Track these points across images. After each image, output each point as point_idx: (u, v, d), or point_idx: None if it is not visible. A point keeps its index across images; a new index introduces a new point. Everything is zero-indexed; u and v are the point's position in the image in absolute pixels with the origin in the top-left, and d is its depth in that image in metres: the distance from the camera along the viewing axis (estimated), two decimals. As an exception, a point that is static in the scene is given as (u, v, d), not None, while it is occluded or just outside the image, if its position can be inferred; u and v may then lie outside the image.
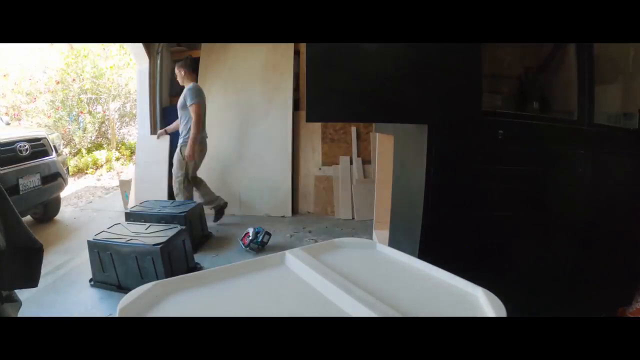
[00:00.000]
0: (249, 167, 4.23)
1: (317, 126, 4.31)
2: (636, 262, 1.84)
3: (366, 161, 4.23)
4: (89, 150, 7.10)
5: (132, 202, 4.09)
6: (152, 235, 2.47)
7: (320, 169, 4.29)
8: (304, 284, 0.96)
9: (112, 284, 2.42)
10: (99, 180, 6.10)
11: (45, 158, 3.54)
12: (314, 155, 4.32)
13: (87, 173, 6.64)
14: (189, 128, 3.56)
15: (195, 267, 2.69)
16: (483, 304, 0.85)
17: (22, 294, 1.36)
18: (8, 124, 4.42)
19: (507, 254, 1.58)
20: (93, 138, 7.28)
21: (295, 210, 4.24)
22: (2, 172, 2.99)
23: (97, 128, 7.31)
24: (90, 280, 2.52)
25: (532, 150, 1.58)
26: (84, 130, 7.11)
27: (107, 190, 5.41)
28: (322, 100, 1.35)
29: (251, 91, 4.28)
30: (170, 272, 2.31)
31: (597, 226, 1.73)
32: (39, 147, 3.51)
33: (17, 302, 1.25)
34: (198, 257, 2.90)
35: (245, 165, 4.24)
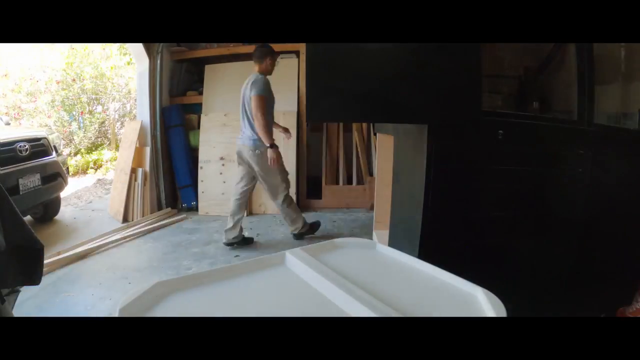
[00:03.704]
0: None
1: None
2: (636, 262, 1.84)
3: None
4: (89, 150, 7.11)
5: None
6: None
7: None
8: (304, 284, 0.96)
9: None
10: (99, 180, 6.10)
11: (45, 158, 3.54)
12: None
13: (87, 173, 6.65)
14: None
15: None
16: (483, 304, 0.85)
17: (23, 294, 1.36)
18: (8, 124, 4.43)
19: (507, 254, 1.58)
20: (93, 138, 7.29)
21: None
22: (2, 172, 2.99)
23: (97, 128, 7.32)
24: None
25: (532, 150, 1.58)
26: (85, 130, 7.12)
27: (107, 190, 5.40)
28: (322, 101, 1.35)
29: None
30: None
31: (597, 226, 1.73)
32: (39, 147, 3.51)
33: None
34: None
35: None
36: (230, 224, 3.11)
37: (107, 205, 4.40)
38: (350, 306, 0.83)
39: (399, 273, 1.05)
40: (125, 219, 3.91)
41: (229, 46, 4.40)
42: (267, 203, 4.23)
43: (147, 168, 4.16)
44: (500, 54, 1.90)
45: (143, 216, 3.96)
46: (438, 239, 1.48)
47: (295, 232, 3.30)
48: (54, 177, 3.63)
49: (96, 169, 6.81)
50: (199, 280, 0.95)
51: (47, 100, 6.99)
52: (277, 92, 4.32)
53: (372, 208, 3.64)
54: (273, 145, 2.91)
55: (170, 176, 4.46)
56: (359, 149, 4.52)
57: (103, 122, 7.46)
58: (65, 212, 4.29)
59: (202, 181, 4.25)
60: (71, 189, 5.29)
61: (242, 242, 3.18)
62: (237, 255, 3.10)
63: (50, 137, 3.78)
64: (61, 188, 3.85)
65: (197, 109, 4.50)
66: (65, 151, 6.49)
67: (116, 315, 0.78)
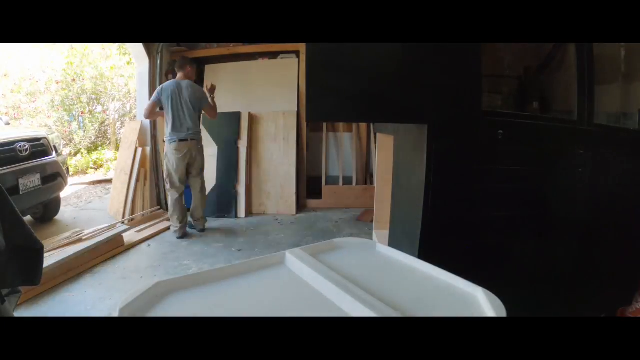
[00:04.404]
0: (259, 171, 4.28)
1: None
2: (636, 262, 1.84)
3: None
4: (89, 150, 7.11)
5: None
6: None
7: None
8: (304, 284, 0.96)
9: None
10: (99, 180, 6.10)
11: (45, 158, 3.54)
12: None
13: (87, 173, 6.65)
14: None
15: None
16: (483, 304, 0.85)
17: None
18: (8, 124, 4.42)
19: (507, 254, 1.58)
20: (93, 138, 7.29)
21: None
22: (2, 172, 2.99)
23: (97, 128, 7.32)
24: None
25: (532, 150, 1.58)
26: (85, 130, 7.12)
27: (107, 190, 5.40)
28: (322, 100, 1.35)
29: (258, 97, 4.33)
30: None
31: (597, 226, 1.73)
32: (39, 147, 3.51)
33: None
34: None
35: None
36: None
37: (107, 205, 4.40)
38: (350, 306, 0.83)
39: (399, 273, 1.05)
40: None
41: (229, 46, 4.41)
42: (267, 203, 4.24)
43: (147, 168, 4.16)
44: (500, 54, 1.90)
45: (143, 216, 3.96)
46: (438, 239, 1.48)
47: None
48: (54, 177, 3.62)
49: (96, 169, 6.82)
50: (199, 280, 0.95)
51: (47, 101, 6.99)
52: (277, 92, 4.36)
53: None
54: None
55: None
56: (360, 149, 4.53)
57: (103, 122, 7.46)
58: (65, 212, 4.29)
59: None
60: (71, 189, 5.30)
61: None
62: (240, 249, 3.12)
63: (50, 137, 3.78)
64: (61, 188, 3.84)
65: (197, 109, 4.50)
66: (65, 151, 6.49)
67: (116, 315, 0.78)
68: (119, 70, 7.47)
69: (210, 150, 4.25)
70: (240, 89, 4.38)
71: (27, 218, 3.79)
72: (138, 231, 3.54)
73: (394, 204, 1.92)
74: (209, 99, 3.54)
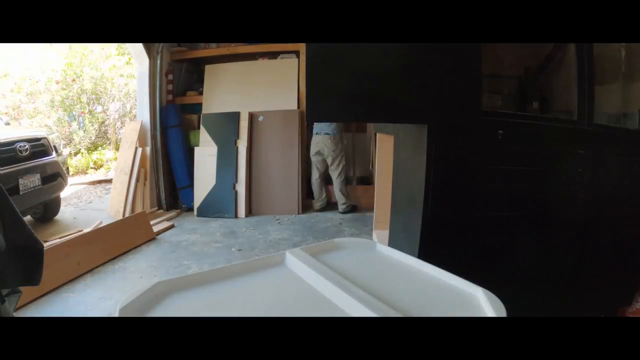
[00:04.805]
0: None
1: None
2: (636, 262, 1.84)
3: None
4: (90, 150, 7.11)
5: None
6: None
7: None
8: (304, 283, 0.96)
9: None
10: (99, 180, 6.10)
11: (45, 158, 3.54)
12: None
13: (87, 173, 6.65)
14: None
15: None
16: (483, 304, 0.85)
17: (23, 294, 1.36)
18: (8, 124, 4.43)
19: (507, 254, 1.58)
20: (93, 138, 7.29)
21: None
22: (2, 172, 2.99)
23: (97, 128, 7.32)
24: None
25: (532, 150, 1.58)
26: (85, 130, 7.12)
27: (107, 190, 5.40)
28: (322, 100, 1.35)
29: (258, 97, 4.33)
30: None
31: (597, 226, 1.73)
32: (39, 147, 3.51)
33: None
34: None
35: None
36: None
37: (107, 205, 4.40)
38: (350, 306, 0.83)
39: (399, 273, 1.05)
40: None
41: (229, 46, 4.41)
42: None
43: (147, 168, 4.16)
44: (500, 54, 1.90)
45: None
46: (438, 239, 1.48)
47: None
48: (54, 177, 3.63)
49: (96, 169, 6.82)
50: (199, 280, 0.94)
51: (47, 100, 6.99)
52: (277, 92, 4.35)
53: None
54: None
55: (171, 176, 4.46)
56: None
57: (103, 122, 7.46)
58: (65, 212, 4.29)
59: (198, 182, 4.25)
60: (71, 189, 5.30)
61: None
62: (239, 249, 3.12)
63: (50, 137, 3.78)
64: (61, 188, 3.85)
65: (197, 109, 4.50)
66: (65, 151, 6.50)
67: (116, 315, 0.78)
68: (119, 70, 7.47)
69: (210, 150, 4.25)
70: (240, 89, 4.37)
71: (27, 218, 3.79)
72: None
73: (394, 203, 1.92)
74: None
